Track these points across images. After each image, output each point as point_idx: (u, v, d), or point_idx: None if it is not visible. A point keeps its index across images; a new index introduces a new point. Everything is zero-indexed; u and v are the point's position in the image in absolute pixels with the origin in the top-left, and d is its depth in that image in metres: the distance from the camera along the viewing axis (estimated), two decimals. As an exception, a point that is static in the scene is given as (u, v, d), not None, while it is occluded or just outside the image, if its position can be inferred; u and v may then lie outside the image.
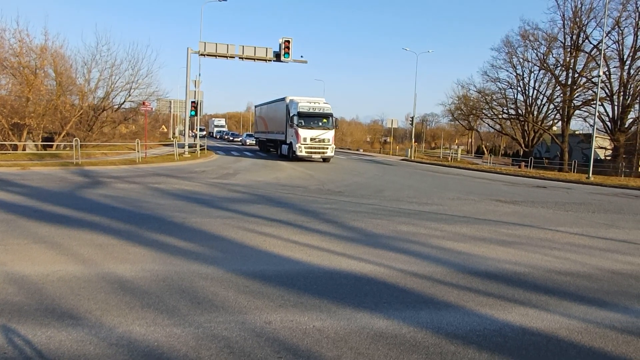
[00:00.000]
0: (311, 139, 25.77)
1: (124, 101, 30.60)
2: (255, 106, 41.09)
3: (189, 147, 27.27)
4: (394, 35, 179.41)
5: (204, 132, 65.35)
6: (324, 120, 26.31)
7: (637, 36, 40.66)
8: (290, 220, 8.30)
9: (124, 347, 3.23)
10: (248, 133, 57.36)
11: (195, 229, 7.22)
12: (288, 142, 27.08)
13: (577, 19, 41.92)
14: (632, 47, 40.52)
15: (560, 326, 3.95)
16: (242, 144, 52.44)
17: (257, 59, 26.73)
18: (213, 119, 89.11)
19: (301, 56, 27.33)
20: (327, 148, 26.42)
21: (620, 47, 41.43)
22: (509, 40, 48.41)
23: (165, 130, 63.14)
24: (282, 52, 26.00)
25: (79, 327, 3.52)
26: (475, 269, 5.65)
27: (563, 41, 43.83)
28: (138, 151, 21.59)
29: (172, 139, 44.87)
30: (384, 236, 7.29)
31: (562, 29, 43.54)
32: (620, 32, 41.20)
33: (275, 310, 4.03)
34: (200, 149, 28.53)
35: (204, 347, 3.29)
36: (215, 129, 76.75)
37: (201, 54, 26.18)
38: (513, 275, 5.47)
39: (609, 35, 40.38)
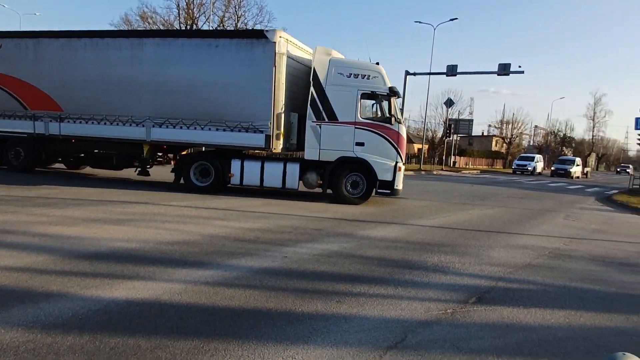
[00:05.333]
0: None
1: None
2: None
3: None
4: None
5: None
6: None
7: (236, 35, 47.66)
8: None
9: None
10: None
11: None
12: (331, 158, 11.29)
13: (190, 11, 45.60)
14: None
15: (163, 292, 4.28)
16: None
17: None
18: None
19: None
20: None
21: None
22: (128, 19, 47.77)
23: None
24: None
25: None
26: (85, 251, 5.40)
27: (179, 29, 46.74)
28: None
29: None
30: (-32, 230, 5.97)
31: (178, 18, 46.41)
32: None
33: None
34: None
35: None
36: None
37: None
38: (124, 252, 5.54)
39: (216, 30, 45.77)
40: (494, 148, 72.03)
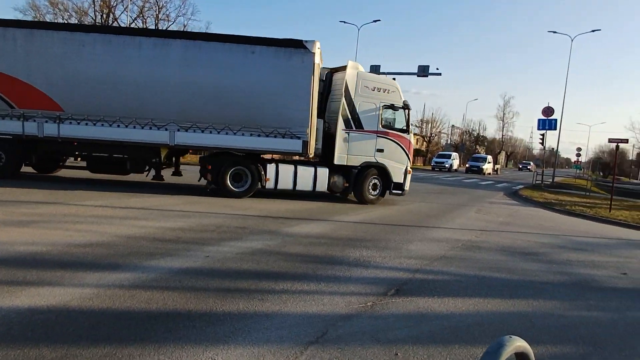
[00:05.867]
0: None
1: None
2: None
3: None
4: None
5: None
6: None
7: (157, 26, 45.66)
8: None
9: None
10: None
11: None
12: (356, 163, 12.30)
13: (107, -1, 42.88)
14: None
15: (72, 297, 4.01)
16: None
17: None
18: None
19: None
20: None
21: (145, 34, 45.45)
22: (35, 4, 44.08)
23: None
24: None
25: None
26: (-20, 257, 4.91)
27: (94, 18, 43.87)
28: None
29: None
30: None
31: (93, 6, 43.53)
32: (144, 20, 45.16)
33: None
34: None
35: None
36: None
37: None
38: (28, 256, 5.11)
39: (135, 21, 43.57)
40: (415, 146, 75.33)
